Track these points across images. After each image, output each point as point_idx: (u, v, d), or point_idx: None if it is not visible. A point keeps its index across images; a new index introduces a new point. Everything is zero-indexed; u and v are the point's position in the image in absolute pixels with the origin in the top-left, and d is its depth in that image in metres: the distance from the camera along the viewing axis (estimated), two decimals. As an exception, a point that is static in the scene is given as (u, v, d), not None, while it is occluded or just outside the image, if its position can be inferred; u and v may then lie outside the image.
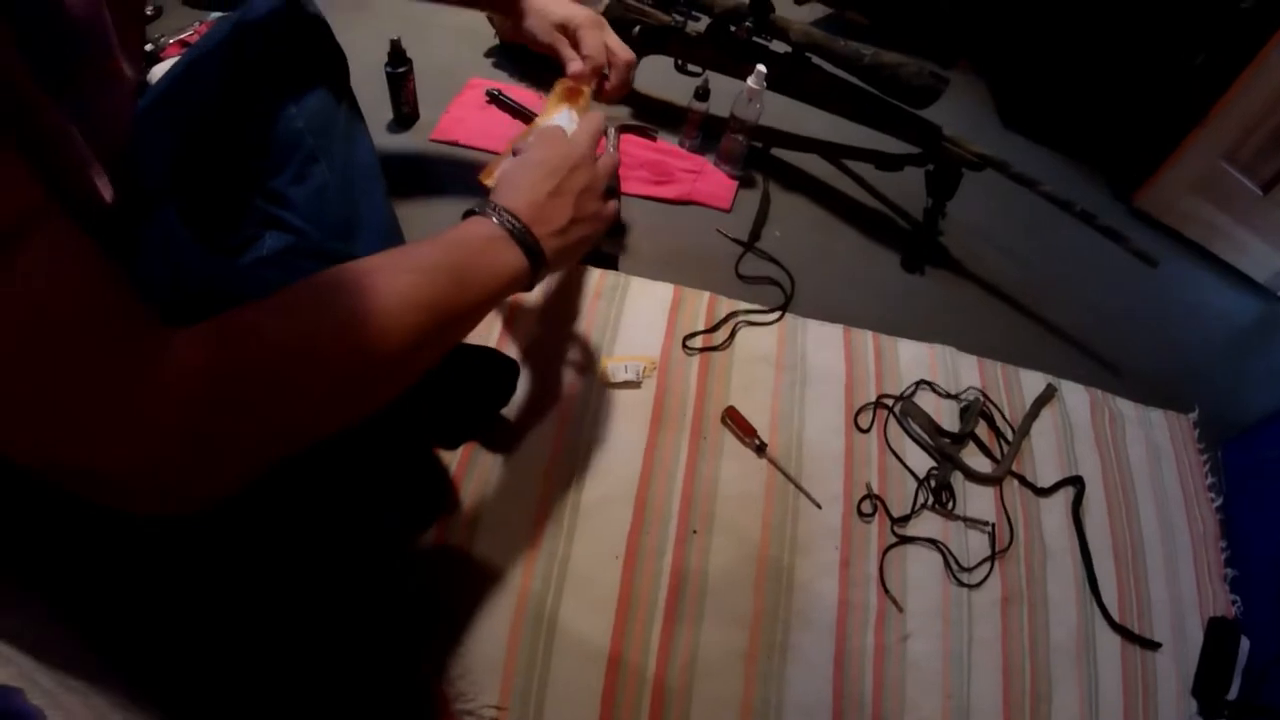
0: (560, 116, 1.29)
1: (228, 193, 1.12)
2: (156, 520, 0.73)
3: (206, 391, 0.57)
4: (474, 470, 1.28)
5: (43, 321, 0.49)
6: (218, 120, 1.11)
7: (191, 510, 0.60)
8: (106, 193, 0.73)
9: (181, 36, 1.82)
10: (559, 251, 0.91)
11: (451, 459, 1.28)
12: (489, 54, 2.18)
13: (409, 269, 0.75)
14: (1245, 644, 1.38)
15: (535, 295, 1.51)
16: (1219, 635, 1.40)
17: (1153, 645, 1.37)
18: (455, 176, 1.70)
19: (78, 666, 0.68)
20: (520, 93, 2.02)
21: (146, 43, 1.76)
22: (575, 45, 1.35)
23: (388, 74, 1.81)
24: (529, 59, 2.13)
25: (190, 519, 0.72)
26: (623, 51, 1.36)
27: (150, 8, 1.94)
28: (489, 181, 1.27)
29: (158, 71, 1.72)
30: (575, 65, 1.33)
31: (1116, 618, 1.37)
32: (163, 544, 0.81)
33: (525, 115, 1.93)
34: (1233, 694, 1.34)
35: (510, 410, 1.35)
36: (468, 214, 0.88)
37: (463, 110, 1.92)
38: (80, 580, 0.79)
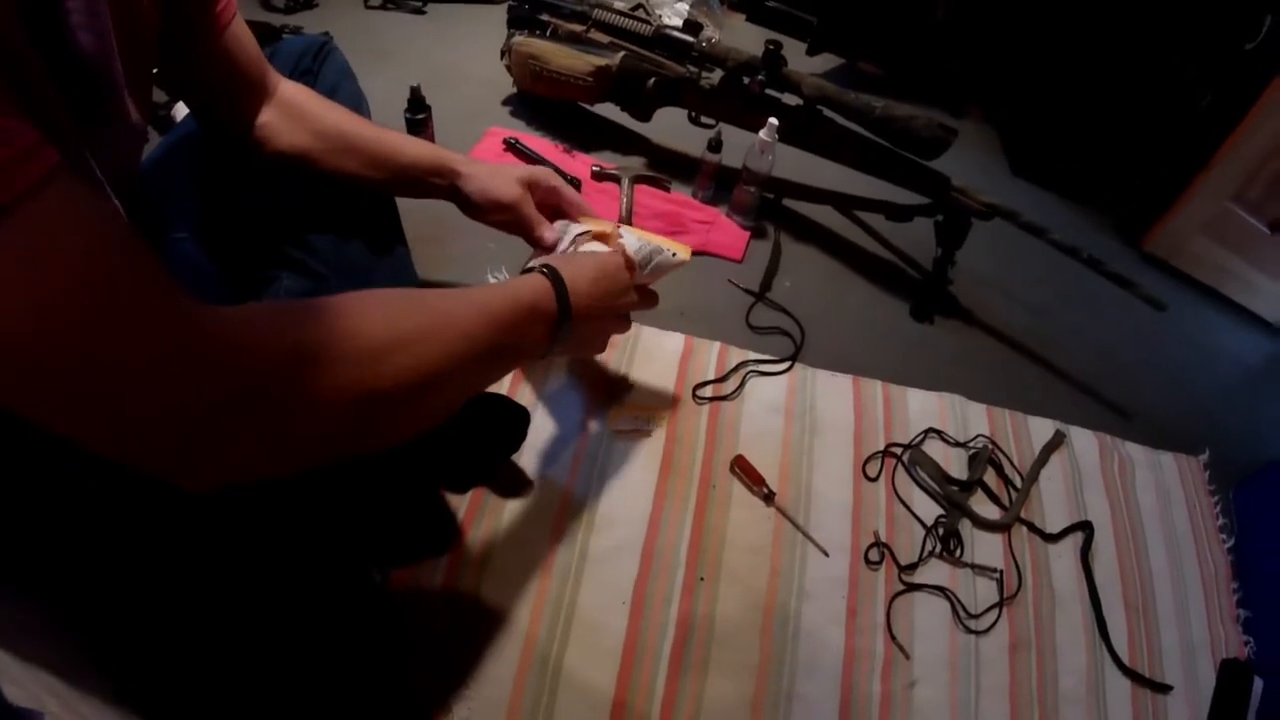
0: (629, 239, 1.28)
1: (252, 230, 1.15)
2: (166, 526, 0.75)
3: (257, 365, 0.59)
4: (484, 515, 1.29)
5: (74, 268, 0.50)
6: (241, 158, 1.14)
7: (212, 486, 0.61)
8: (124, 217, 0.77)
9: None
10: (572, 352, 1.00)
11: (461, 503, 1.30)
12: (506, 102, 2.23)
13: (469, 304, 0.80)
14: (1259, 685, 1.37)
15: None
16: (1232, 677, 1.39)
17: (1164, 689, 1.36)
18: (473, 226, 1.73)
19: (67, 673, 0.69)
20: (536, 142, 2.07)
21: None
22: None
23: (407, 120, 1.85)
24: (545, 109, 2.18)
25: (197, 535, 0.75)
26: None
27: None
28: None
29: (183, 109, 1.76)
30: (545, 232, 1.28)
31: (1127, 662, 1.37)
32: (168, 559, 0.82)
33: (541, 164, 1.96)
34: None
35: (521, 457, 1.37)
36: (536, 271, 0.94)
37: (481, 158, 1.95)
38: (73, 585, 0.80)
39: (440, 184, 1.26)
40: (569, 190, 1.28)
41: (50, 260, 0.49)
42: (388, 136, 1.21)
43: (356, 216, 1.25)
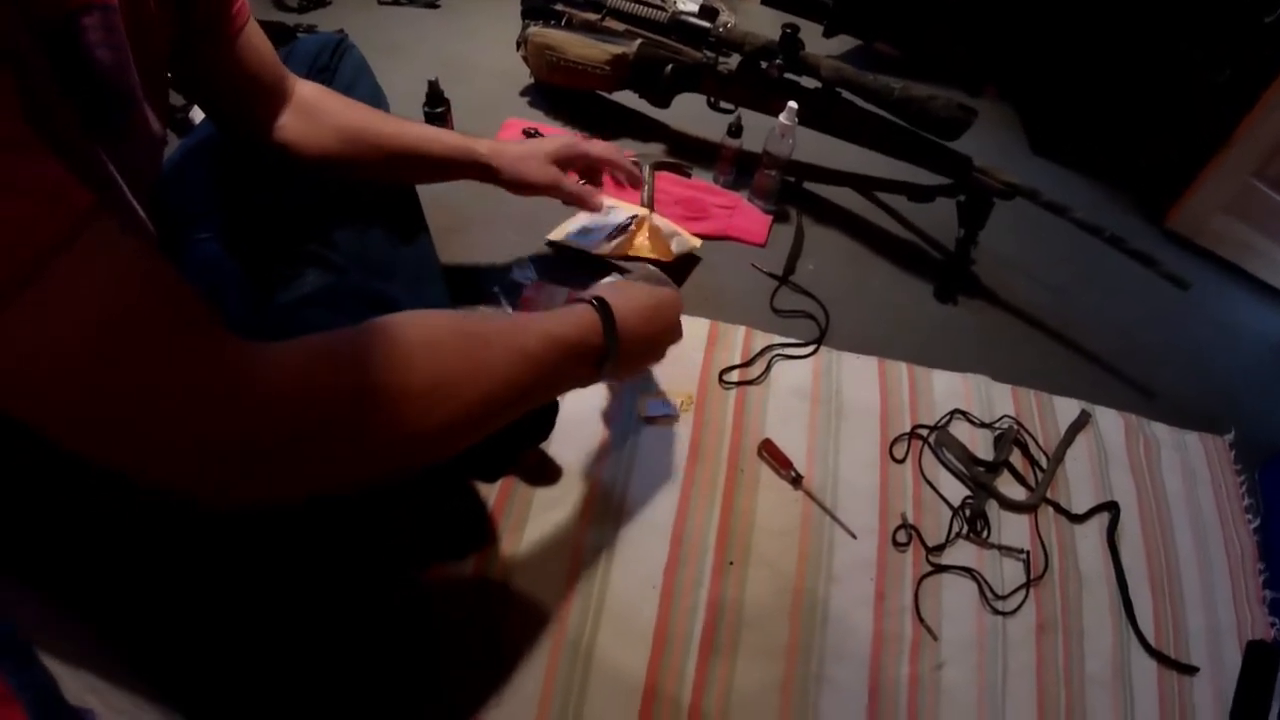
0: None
1: (274, 227, 1.16)
2: (193, 524, 0.76)
3: (300, 409, 0.60)
4: (513, 503, 1.31)
5: (112, 320, 0.51)
6: (259, 158, 1.14)
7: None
8: (150, 224, 0.77)
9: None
10: (618, 379, 0.98)
11: (490, 492, 1.31)
12: (524, 93, 2.23)
13: (512, 348, 0.79)
14: (1286, 666, 1.37)
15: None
16: (1257, 659, 1.37)
17: (1190, 670, 1.35)
18: (495, 217, 1.73)
19: (97, 668, 0.69)
20: (555, 131, 2.07)
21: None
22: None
23: (426, 114, 1.85)
24: (563, 98, 2.18)
25: (224, 535, 0.76)
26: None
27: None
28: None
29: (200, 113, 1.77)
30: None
31: (1153, 643, 1.36)
32: (193, 557, 0.83)
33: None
34: (1272, 718, 1.32)
35: (550, 445, 1.37)
36: (586, 303, 0.93)
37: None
38: (97, 580, 0.81)
39: (470, 170, 1.31)
40: (596, 150, 1.44)
41: (82, 309, 0.50)
42: (410, 129, 1.23)
43: (377, 207, 1.26)
